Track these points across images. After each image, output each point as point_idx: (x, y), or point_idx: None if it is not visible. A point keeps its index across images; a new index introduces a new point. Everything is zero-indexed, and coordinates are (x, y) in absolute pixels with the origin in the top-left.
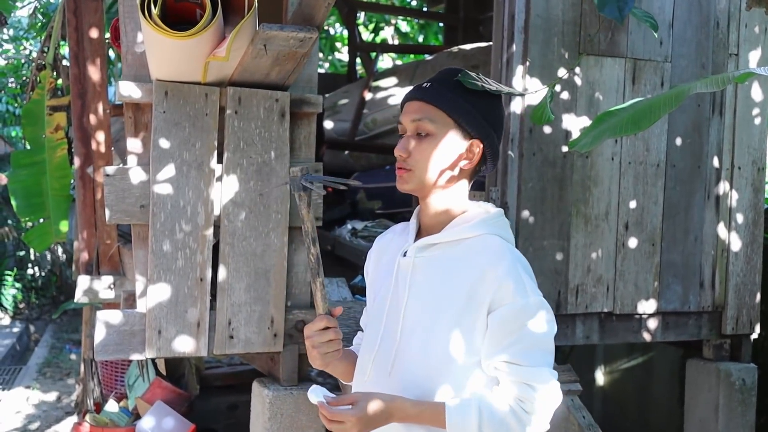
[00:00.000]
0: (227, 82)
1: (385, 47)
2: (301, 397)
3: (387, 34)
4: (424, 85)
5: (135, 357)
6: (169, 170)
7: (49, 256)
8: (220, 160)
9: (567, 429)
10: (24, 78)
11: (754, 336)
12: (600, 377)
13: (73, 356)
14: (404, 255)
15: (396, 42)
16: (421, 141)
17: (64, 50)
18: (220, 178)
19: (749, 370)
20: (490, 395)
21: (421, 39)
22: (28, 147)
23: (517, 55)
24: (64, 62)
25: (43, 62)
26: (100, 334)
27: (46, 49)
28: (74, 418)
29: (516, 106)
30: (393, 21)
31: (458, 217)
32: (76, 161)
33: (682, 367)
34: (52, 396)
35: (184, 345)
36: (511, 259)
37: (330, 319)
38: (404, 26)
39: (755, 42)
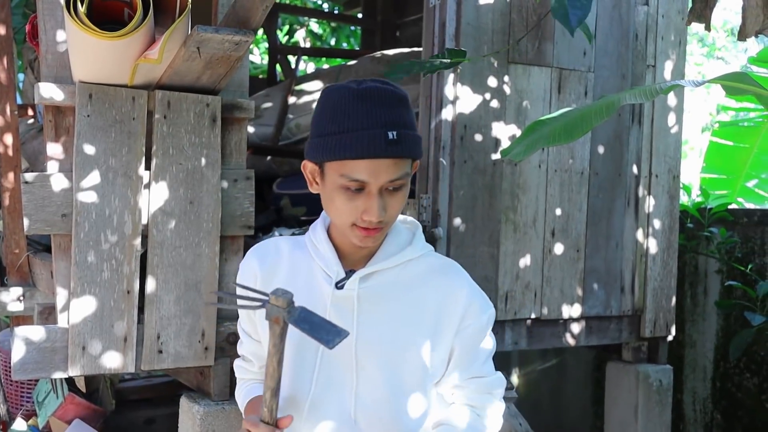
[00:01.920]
0: (155, 85)
1: (305, 51)
2: (233, 412)
3: (299, 35)
4: (391, 135)
5: (58, 375)
6: (93, 177)
7: None
8: (148, 167)
9: None
10: None
11: (670, 338)
12: (515, 380)
13: None
14: (337, 287)
15: (308, 43)
16: (394, 194)
17: None
18: (148, 186)
19: (666, 371)
20: (457, 417)
21: (333, 41)
22: None
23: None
24: None
25: None
26: (18, 352)
27: None
28: None
29: (447, 114)
30: (306, 23)
31: (388, 236)
32: None
33: (595, 368)
34: None
35: (111, 361)
36: (467, 276)
37: (274, 431)
38: (316, 28)
39: (669, 53)
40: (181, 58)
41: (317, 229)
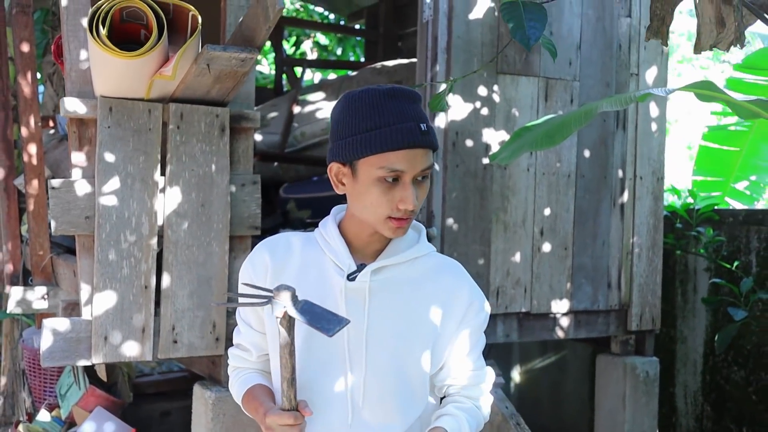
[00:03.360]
0: (169, 98)
1: (310, 62)
2: None
3: (306, 46)
4: (423, 127)
5: (82, 363)
6: (114, 183)
7: None
8: (163, 173)
9: (492, 419)
10: None
11: (656, 332)
12: (516, 376)
13: None
14: (349, 279)
15: (315, 54)
16: (422, 185)
17: None
18: (163, 190)
19: (652, 363)
20: (463, 403)
21: (339, 52)
22: None
23: (440, 74)
24: None
25: None
26: (46, 341)
27: None
28: None
29: (440, 122)
30: (312, 34)
31: None
32: (0, 173)
33: (593, 363)
34: None
35: (130, 350)
36: (468, 276)
37: (297, 416)
38: (323, 39)
39: (653, 62)
40: (192, 73)
41: (328, 225)
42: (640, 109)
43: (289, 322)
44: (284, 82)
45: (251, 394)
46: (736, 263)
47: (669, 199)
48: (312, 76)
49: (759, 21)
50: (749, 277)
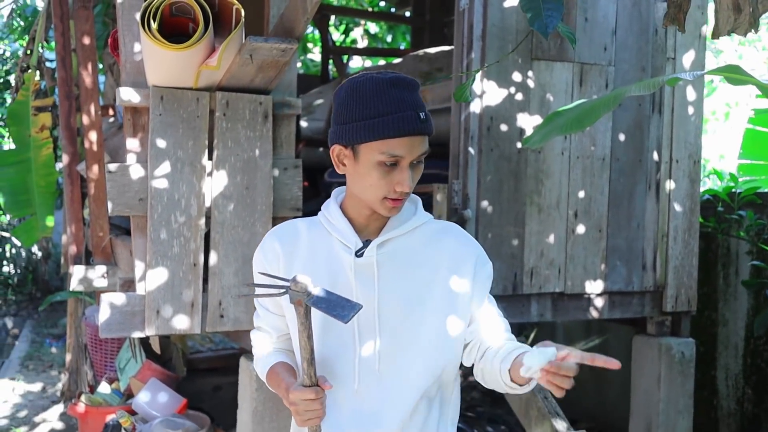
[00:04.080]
0: (216, 87)
1: (356, 50)
2: None
3: (357, 34)
4: (422, 116)
5: (136, 335)
6: (165, 167)
7: (23, 253)
8: (210, 158)
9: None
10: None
11: (692, 313)
12: None
13: (53, 350)
14: (358, 255)
15: (365, 42)
16: (417, 168)
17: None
18: (210, 174)
19: (688, 344)
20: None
21: (390, 39)
22: (13, 146)
23: (476, 61)
24: (47, 64)
25: (27, 64)
26: (104, 314)
27: (29, 52)
28: (60, 407)
29: (475, 107)
30: (362, 22)
31: None
32: (65, 159)
33: None
34: (36, 387)
35: (180, 323)
36: (467, 233)
37: (318, 391)
38: (373, 27)
39: (689, 46)
40: (236, 64)
41: (330, 207)
42: (676, 93)
43: (306, 309)
44: (333, 69)
45: (274, 371)
46: None
47: (714, 184)
48: (363, 63)
49: None
50: None
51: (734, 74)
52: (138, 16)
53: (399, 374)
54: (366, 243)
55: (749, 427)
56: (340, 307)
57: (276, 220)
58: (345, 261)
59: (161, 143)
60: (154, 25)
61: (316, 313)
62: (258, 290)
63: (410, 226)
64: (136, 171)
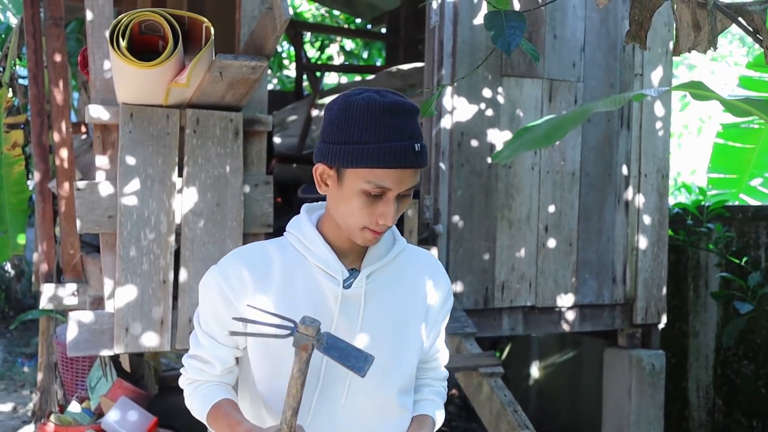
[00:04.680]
0: (186, 104)
1: (330, 67)
2: None
3: (333, 50)
4: (416, 147)
5: (105, 353)
6: (134, 184)
7: None
8: (180, 174)
9: (490, 407)
10: None
11: (662, 325)
12: (535, 371)
13: (26, 369)
14: (345, 286)
15: (341, 58)
16: (403, 200)
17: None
18: (180, 191)
19: (658, 356)
20: (434, 387)
21: (366, 55)
22: None
23: (446, 77)
24: (20, 81)
25: (0, 81)
26: (72, 332)
27: (2, 69)
28: (31, 427)
29: (446, 123)
30: (338, 39)
31: None
32: (36, 176)
33: None
34: (8, 407)
35: (149, 341)
36: (440, 263)
37: None
38: (349, 43)
39: (657, 63)
40: (206, 81)
41: (305, 229)
42: (644, 108)
43: (308, 356)
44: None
45: (221, 410)
46: (745, 258)
47: (686, 197)
48: (339, 80)
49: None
50: (757, 272)
51: (698, 90)
52: (107, 33)
53: (361, 412)
54: (351, 272)
55: None
56: (353, 357)
57: (247, 237)
58: (328, 291)
59: (131, 160)
60: (123, 43)
61: (274, 348)
62: (258, 329)
63: (394, 253)
64: (105, 188)
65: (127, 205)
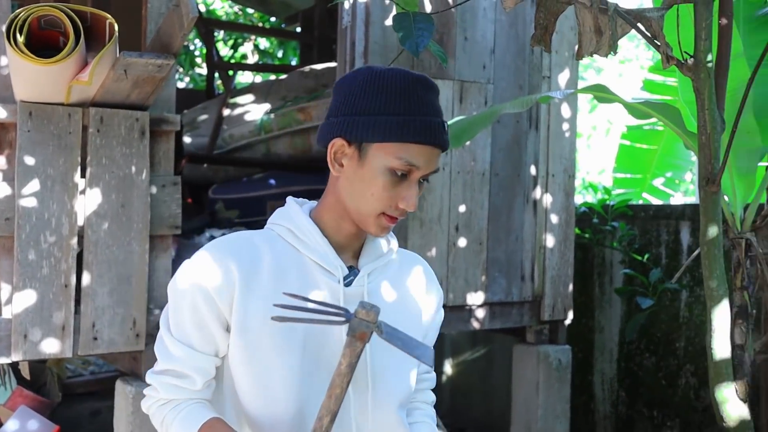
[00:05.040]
0: (89, 102)
1: (241, 66)
2: None
3: (247, 49)
4: (445, 127)
5: (2, 360)
6: (33, 185)
7: None
8: (83, 175)
9: None
10: None
11: (568, 321)
12: (448, 369)
13: None
14: (345, 283)
15: (255, 57)
16: (422, 186)
17: None
18: (83, 192)
19: (564, 351)
20: (425, 410)
21: (280, 54)
22: None
23: None
24: None
25: None
26: None
27: None
28: None
29: None
30: (252, 37)
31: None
32: None
33: None
34: None
35: (50, 347)
36: (432, 271)
37: None
38: (264, 42)
39: (564, 66)
40: (110, 79)
41: (299, 219)
42: (552, 110)
43: (363, 347)
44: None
45: (215, 430)
46: (647, 255)
47: (593, 197)
48: (253, 78)
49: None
50: (658, 268)
51: (601, 93)
52: (3, 28)
53: (389, 418)
54: (350, 269)
55: (623, 428)
56: (413, 347)
57: (154, 239)
58: (327, 288)
59: (30, 160)
60: (20, 39)
61: (263, 352)
62: (308, 315)
63: (392, 253)
64: (2, 189)
65: (25, 207)
